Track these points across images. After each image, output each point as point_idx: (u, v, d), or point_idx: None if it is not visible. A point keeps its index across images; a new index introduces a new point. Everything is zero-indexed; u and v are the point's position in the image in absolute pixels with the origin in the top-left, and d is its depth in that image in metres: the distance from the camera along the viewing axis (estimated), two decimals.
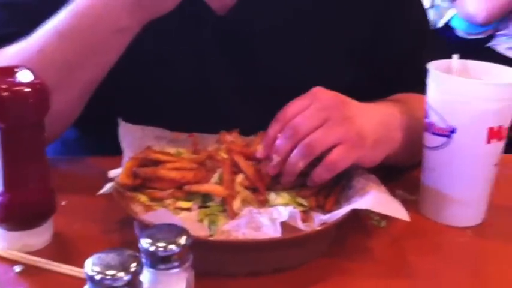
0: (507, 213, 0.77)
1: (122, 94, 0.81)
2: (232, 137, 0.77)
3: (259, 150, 0.70)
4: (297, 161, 0.67)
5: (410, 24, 0.94)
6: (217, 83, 0.86)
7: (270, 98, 0.72)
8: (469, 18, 2.35)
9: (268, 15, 0.87)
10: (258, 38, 0.86)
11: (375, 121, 0.72)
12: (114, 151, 0.74)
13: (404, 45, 0.92)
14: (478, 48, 2.38)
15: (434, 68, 0.72)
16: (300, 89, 0.71)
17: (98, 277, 0.41)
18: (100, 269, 0.41)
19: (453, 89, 0.69)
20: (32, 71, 0.60)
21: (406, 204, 0.66)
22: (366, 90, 0.79)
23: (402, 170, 0.84)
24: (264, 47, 0.87)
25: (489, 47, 2.38)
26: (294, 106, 0.69)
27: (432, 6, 2.58)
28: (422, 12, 0.98)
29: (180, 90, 0.85)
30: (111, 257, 0.43)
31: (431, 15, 2.58)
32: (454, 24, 2.47)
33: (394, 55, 0.92)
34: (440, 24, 2.52)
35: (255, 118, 0.72)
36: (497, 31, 2.36)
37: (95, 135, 0.88)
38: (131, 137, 0.76)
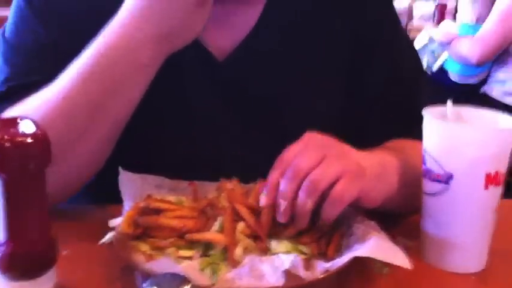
0: (510, 259, 0.77)
1: (124, 140, 0.82)
2: (232, 185, 0.77)
3: (263, 199, 0.69)
4: (305, 200, 0.66)
5: (402, 70, 0.95)
6: (208, 120, 0.88)
7: (267, 134, 0.73)
8: (463, 60, 2.40)
9: (263, 63, 0.89)
10: (253, 79, 0.89)
11: (372, 161, 0.74)
12: (115, 199, 0.75)
13: (394, 91, 0.94)
14: (471, 94, 2.42)
15: (429, 114, 0.73)
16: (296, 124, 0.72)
17: None
18: None
19: (449, 135, 0.71)
20: (34, 121, 0.61)
21: (408, 250, 0.66)
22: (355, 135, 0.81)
23: (401, 216, 0.84)
24: (259, 86, 0.89)
25: (483, 93, 2.42)
26: (290, 151, 0.69)
27: (426, 51, 2.64)
28: (415, 58, 1.00)
29: (174, 135, 0.87)
30: None
31: (426, 60, 2.63)
32: (448, 67, 2.52)
33: (383, 100, 0.93)
34: (435, 68, 2.57)
35: (253, 157, 0.73)
36: (489, 75, 2.41)
37: (96, 183, 0.89)
38: (131, 185, 0.76)
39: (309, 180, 0.66)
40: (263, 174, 0.71)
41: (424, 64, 2.65)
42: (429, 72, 2.59)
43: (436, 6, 3.31)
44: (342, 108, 0.92)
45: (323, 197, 0.67)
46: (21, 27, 0.86)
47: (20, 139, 0.59)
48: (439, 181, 0.71)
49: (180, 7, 0.72)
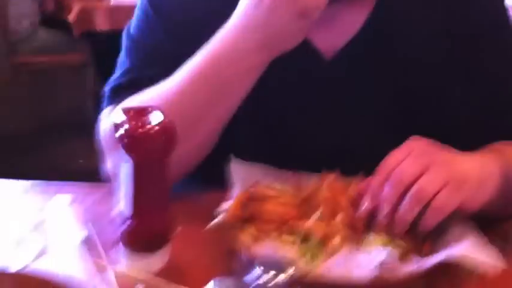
0: None
1: (230, 132, 0.88)
2: (333, 177, 0.81)
3: (367, 201, 0.73)
4: (409, 210, 0.70)
5: (506, 75, 0.94)
6: (310, 123, 0.92)
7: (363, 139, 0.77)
8: None
9: (370, 64, 0.92)
10: (360, 79, 0.91)
11: (475, 166, 0.75)
12: (220, 185, 0.82)
13: (501, 94, 0.93)
14: None
15: None
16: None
17: None
18: None
19: None
20: (163, 111, 0.69)
21: (505, 253, 0.67)
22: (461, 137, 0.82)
23: (499, 219, 0.85)
24: (365, 85, 0.91)
25: None
26: (394, 156, 0.73)
27: None
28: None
29: (277, 129, 0.92)
30: (229, 282, 0.49)
31: None
32: None
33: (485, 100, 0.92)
34: None
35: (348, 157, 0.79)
36: None
37: (202, 170, 0.96)
38: (241, 172, 0.83)
39: (415, 189, 0.69)
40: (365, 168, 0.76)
41: None
42: None
43: None
44: (447, 113, 0.92)
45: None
46: (145, 28, 0.94)
47: (149, 127, 0.67)
48: None
49: (283, 19, 0.77)
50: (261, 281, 0.51)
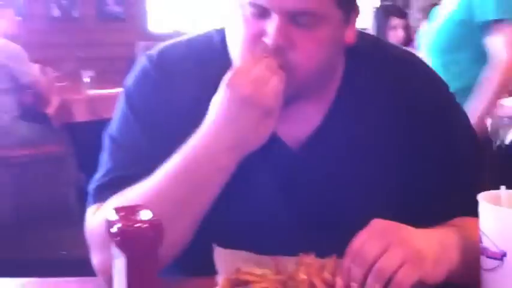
0: None
1: (215, 225, 0.95)
2: (309, 259, 0.89)
3: (339, 283, 0.81)
4: (373, 285, 0.79)
5: (459, 153, 1.02)
6: (280, 210, 1.00)
7: (329, 221, 0.85)
8: None
9: (332, 151, 1.01)
10: (324, 167, 1.00)
11: (432, 241, 0.84)
12: (200, 273, 0.88)
13: (453, 175, 1.01)
14: None
15: (484, 199, 0.82)
16: (357, 221, 0.84)
17: None
18: None
19: (501, 218, 0.80)
20: (151, 209, 0.76)
21: None
22: (417, 219, 0.90)
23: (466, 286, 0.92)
24: (329, 174, 1.00)
25: None
26: (359, 239, 0.82)
27: (500, 126, 2.66)
28: (472, 139, 1.07)
29: (256, 221, 1.00)
30: None
31: (499, 133, 2.66)
32: None
33: (438, 188, 1.00)
34: (507, 141, 2.59)
35: (318, 239, 0.85)
36: None
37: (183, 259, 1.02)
38: (224, 260, 0.89)
39: (376, 268, 0.79)
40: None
41: (500, 137, 2.67)
42: (503, 146, 2.62)
43: None
44: (402, 200, 1.00)
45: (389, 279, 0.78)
46: (125, 130, 1.03)
47: (139, 225, 0.74)
48: (494, 258, 0.80)
49: (250, 121, 0.87)
50: None
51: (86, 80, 4.10)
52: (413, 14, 4.95)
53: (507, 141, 2.59)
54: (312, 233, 0.98)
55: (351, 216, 0.86)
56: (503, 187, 0.85)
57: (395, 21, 3.91)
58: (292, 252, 0.90)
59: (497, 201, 0.84)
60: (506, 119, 2.56)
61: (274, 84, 0.87)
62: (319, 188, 1.01)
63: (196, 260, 0.94)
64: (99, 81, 4.05)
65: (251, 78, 0.87)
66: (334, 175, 1.01)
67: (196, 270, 0.95)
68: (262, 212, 1.01)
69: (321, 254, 0.89)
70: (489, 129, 2.66)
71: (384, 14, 3.98)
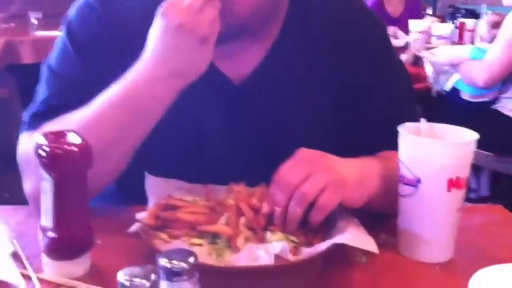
0: (471, 253, 0.91)
1: (149, 153, 0.97)
2: (239, 188, 0.92)
3: (264, 207, 0.85)
4: (295, 208, 0.82)
5: (392, 91, 1.07)
6: (222, 142, 1.03)
7: (268, 153, 0.88)
8: (471, 82, 2.51)
9: (273, 87, 1.04)
10: (265, 102, 1.03)
11: (354, 169, 0.88)
12: (135, 201, 0.91)
13: (381, 112, 1.06)
14: (483, 111, 2.53)
15: (405, 130, 0.87)
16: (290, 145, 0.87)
17: (127, 283, 0.56)
18: (129, 277, 0.56)
19: (418, 147, 0.84)
20: (79, 134, 0.77)
21: (388, 245, 0.82)
22: (348, 149, 0.94)
23: (385, 217, 0.97)
24: (269, 108, 1.04)
25: (495, 109, 2.52)
26: (285, 166, 0.85)
27: (441, 72, 2.75)
28: (405, 78, 1.12)
29: (197, 151, 1.02)
30: (137, 270, 0.58)
31: (440, 80, 2.74)
32: (460, 87, 2.63)
33: (372, 119, 1.06)
34: (447, 87, 2.68)
35: (256, 171, 0.88)
36: (502, 93, 2.51)
37: (119, 186, 1.04)
38: (156, 187, 0.92)
39: (298, 193, 0.82)
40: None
41: (440, 83, 2.76)
42: (443, 92, 2.71)
43: (456, 26, 3.43)
44: (337, 130, 1.05)
45: (311, 204, 0.82)
46: (64, 60, 1.03)
47: (66, 147, 0.75)
48: (409, 184, 0.85)
49: (186, 47, 0.88)
50: (165, 268, 0.59)
51: (34, 21, 3.97)
52: None
53: (447, 88, 2.69)
54: (251, 164, 1.01)
55: (289, 149, 0.89)
56: (423, 119, 0.90)
57: None
58: (230, 182, 0.93)
59: (417, 133, 0.88)
60: (447, 66, 2.66)
61: (208, 12, 0.88)
62: (260, 121, 1.04)
63: (130, 188, 0.96)
64: (47, 23, 3.93)
65: (184, 6, 0.87)
66: (275, 109, 1.04)
67: (131, 199, 0.97)
68: (204, 143, 1.03)
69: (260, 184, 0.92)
70: (430, 75, 2.75)
71: None
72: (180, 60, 0.90)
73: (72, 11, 1.06)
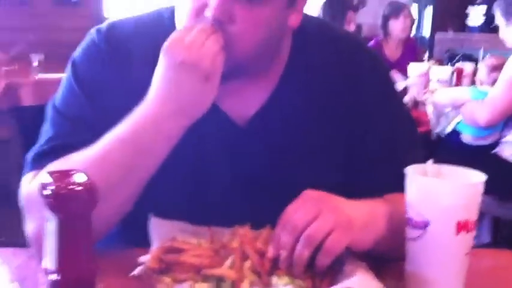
0: None
1: (153, 193, 0.96)
2: (244, 230, 0.91)
3: (270, 250, 0.83)
4: (302, 251, 0.81)
5: (396, 136, 1.06)
6: (226, 183, 1.02)
7: (273, 194, 0.87)
8: (473, 123, 2.52)
9: (277, 128, 1.03)
10: (269, 144, 1.03)
11: (362, 211, 0.87)
12: (139, 243, 0.89)
13: (387, 155, 1.05)
14: (483, 155, 2.52)
15: (412, 171, 0.86)
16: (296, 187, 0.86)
17: None
18: None
19: (425, 187, 0.84)
20: (86, 173, 0.76)
21: None
22: (354, 192, 0.94)
23: (393, 260, 0.96)
24: (274, 151, 1.03)
25: (495, 154, 2.52)
26: (291, 207, 0.84)
27: (442, 114, 2.76)
28: (407, 118, 1.11)
29: (201, 193, 1.01)
30: None
31: (442, 121, 2.75)
32: (461, 129, 2.64)
33: (375, 161, 1.05)
34: (448, 129, 2.69)
35: (261, 212, 0.87)
36: (502, 137, 2.52)
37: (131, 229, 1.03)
38: (160, 229, 0.90)
39: (305, 235, 0.81)
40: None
41: (440, 126, 2.77)
42: (442, 135, 2.72)
43: (454, 70, 3.46)
44: (342, 172, 1.04)
45: (318, 246, 0.81)
46: (70, 100, 1.03)
47: (73, 187, 0.74)
48: (418, 227, 0.83)
49: (190, 85, 0.89)
50: None
51: (35, 64, 4.02)
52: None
53: (448, 131, 2.70)
54: (255, 205, 1.00)
55: (295, 190, 0.88)
56: (430, 161, 0.89)
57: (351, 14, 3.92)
58: (234, 224, 0.92)
59: (424, 175, 0.88)
60: (449, 108, 2.67)
61: (210, 47, 0.88)
62: (264, 162, 1.03)
63: (134, 230, 0.95)
64: (49, 65, 3.97)
65: (186, 43, 0.88)
66: (279, 150, 1.03)
67: (135, 240, 0.95)
68: (208, 184, 1.02)
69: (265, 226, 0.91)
70: (430, 117, 2.76)
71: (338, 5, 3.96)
72: (184, 97, 0.90)
73: (77, 50, 1.06)
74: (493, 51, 3.03)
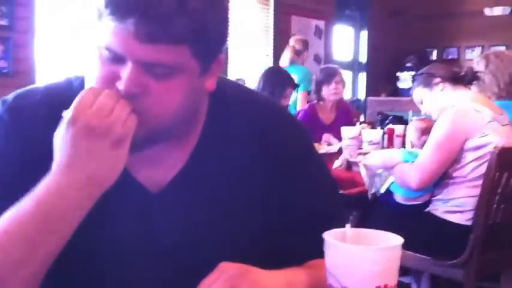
0: None
1: (62, 270, 0.90)
2: None
3: None
4: None
5: (316, 199, 1.05)
6: (139, 255, 0.98)
7: (188, 266, 0.83)
8: (405, 186, 2.56)
9: (193, 195, 1.00)
10: (182, 212, 0.99)
11: (280, 282, 0.84)
12: None
13: (306, 219, 1.03)
14: (417, 214, 2.55)
15: (330, 236, 0.84)
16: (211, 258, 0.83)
17: None
18: None
19: (343, 254, 0.81)
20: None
21: None
22: (273, 260, 0.91)
23: None
24: (187, 224, 0.99)
25: (428, 212, 2.55)
26: (206, 283, 0.81)
27: (375, 175, 2.80)
28: (329, 186, 1.10)
29: (115, 263, 0.96)
30: None
31: (376, 182, 2.79)
32: (394, 189, 2.67)
33: (297, 227, 1.03)
34: (382, 190, 2.72)
35: (176, 285, 0.83)
36: (433, 196, 2.56)
37: None
38: None
39: None
40: None
41: (375, 186, 2.80)
42: (377, 195, 2.74)
43: (385, 131, 3.55)
44: (260, 240, 1.01)
45: None
46: None
47: None
48: None
49: (99, 151, 0.85)
50: None
51: None
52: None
53: (382, 191, 2.73)
54: (170, 278, 0.96)
55: (210, 261, 0.84)
56: (348, 225, 0.87)
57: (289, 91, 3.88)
58: None
59: (343, 239, 0.86)
60: (380, 169, 2.71)
61: (119, 112, 0.85)
62: (178, 232, 0.99)
63: None
64: None
65: (95, 108, 0.85)
66: (194, 218, 1.00)
67: None
68: (121, 256, 0.97)
69: None
70: (365, 179, 2.79)
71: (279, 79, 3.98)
72: (94, 165, 0.86)
73: None
74: (420, 114, 3.12)
